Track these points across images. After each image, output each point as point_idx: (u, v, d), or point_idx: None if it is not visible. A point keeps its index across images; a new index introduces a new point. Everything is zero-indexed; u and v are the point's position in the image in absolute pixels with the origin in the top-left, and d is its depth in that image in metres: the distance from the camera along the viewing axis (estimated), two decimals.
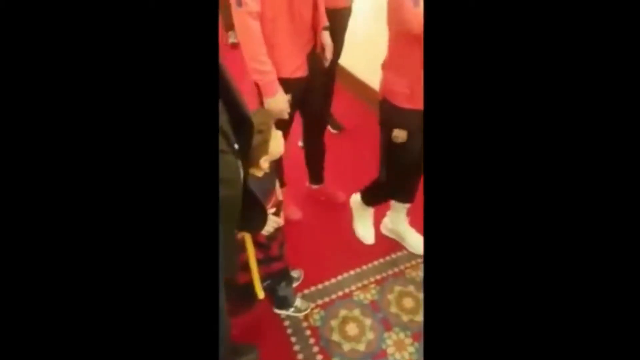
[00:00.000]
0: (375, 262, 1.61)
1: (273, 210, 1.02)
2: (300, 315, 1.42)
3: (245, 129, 0.74)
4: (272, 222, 0.98)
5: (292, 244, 1.52)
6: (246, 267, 1.10)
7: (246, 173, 0.75)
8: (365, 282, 1.54)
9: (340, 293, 1.50)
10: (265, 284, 1.15)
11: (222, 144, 0.66)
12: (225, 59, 0.66)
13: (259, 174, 1.00)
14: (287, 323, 1.41)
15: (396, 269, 1.58)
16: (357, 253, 1.64)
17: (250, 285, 1.14)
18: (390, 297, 1.48)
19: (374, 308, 1.45)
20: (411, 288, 1.50)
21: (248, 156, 0.76)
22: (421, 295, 1.48)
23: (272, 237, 1.08)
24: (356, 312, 1.44)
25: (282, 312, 1.42)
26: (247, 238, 1.02)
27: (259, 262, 1.08)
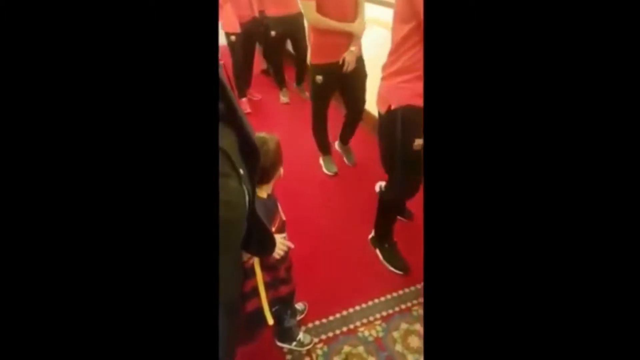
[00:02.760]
0: (382, 298, 1.58)
1: (283, 235, 1.03)
2: (303, 349, 1.39)
3: (251, 154, 0.74)
4: (282, 245, 0.99)
5: (298, 277, 1.50)
6: (254, 294, 1.09)
7: (252, 198, 0.75)
8: (371, 318, 1.50)
9: (344, 329, 1.46)
10: (274, 309, 1.14)
11: (226, 168, 0.66)
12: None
13: (264, 195, 1.02)
14: (289, 357, 1.37)
15: (403, 306, 1.55)
16: (363, 288, 1.62)
17: (257, 313, 1.12)
18: (396, 334, 1.44)
19: (378, 346, 1.41)
20: (417, 326, 1.46)
21: (255, 181, 0.77)
22: None
23: (280, 258, 1.08)
24: (360, 349, 1.39)
25: (285, 345, 1.39)
26: (256, 262, 1.02)
27: (267, 285, 1.07)
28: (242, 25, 2.81)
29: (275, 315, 1.17)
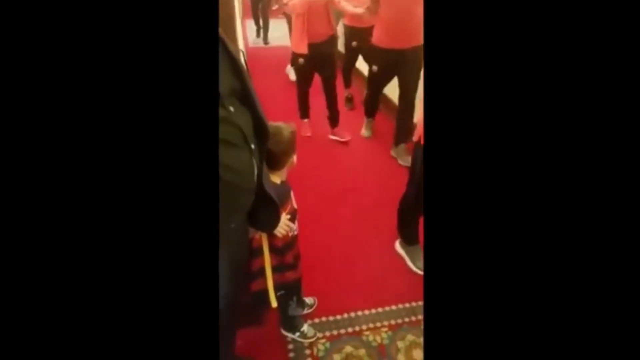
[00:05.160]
0: (393, 307, 1.56)
1: (288, 216, 1.08)
2: (306, 342, 1.41)
3: (262, 133, 0.83)
4: (285, 225, 1.04)
5: (312, 271, 1.54)
6: (260, 274, 1.14)
7: (260, 173, 0.83)
8: (378, 324, 1.49)
9: (350, 329, 1.47)
10: (278, 294, 1.18)
11: (239, 140, 0.75)
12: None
13: (277, 180, 1.07)
14: (291, 346, 1.40)
15: (413, 318, 1.52)
16: (376, 294, 1.61)
17: (262, 294, 1.17)
18: (401, 344, 1.41)
19: (381, 352, 1.39)
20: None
21: (263, 158, 0.85)
22: None
23: (288, 244, 1.12)
24: (362, 352, 1.39)
25: (289, 335, 1.42)
26: (264, 240, 1.08)
27: (273, 268, 1.12)
28: (312, 45, 2.32)
29: (280, 301, 1.21)
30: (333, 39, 2.45)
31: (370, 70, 2.45)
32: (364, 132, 2.80)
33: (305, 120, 2.78)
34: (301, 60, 2.40)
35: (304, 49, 2.34)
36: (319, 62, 2.44)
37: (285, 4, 2.26)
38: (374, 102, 2.68)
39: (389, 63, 2.28)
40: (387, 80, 2.46)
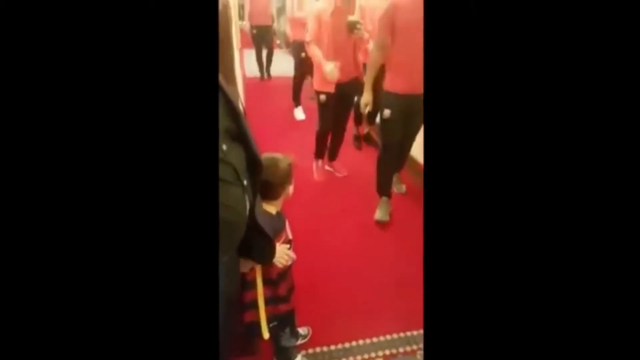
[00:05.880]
0: (388, 337, 1.55)
1: (288, 245, 1.09)
2: None
3: (255, 169, 0.85)
4: (285, 255, 1.05)
5: (306, 301, 1.53)
6: (253, 305, 1.14)
7: (253, 207, 0.85)
8: (373, 354, 1.47)
9: None
10: (271, 325, 1.17)
11: (232, 177, 0.77)
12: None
13: (272, 211, 1.09)
14: None
15: (408, 348, 1.50)
16: (371, 324, 1.60)
17: (254, 325, 1.17)
18: None
19: None
20: None
21: (257, 192, 0.86)
22: None
23: (281, 275, 1.13)
24: None
25: None
26: (258, 272, 1.08)
27: (266, 300, 1.12)
28: (338, 86, 2.29)
29: (272, 332, 1.21)
30: (357, 80, 2.37)
31: (382, 116, 2.12)
32: (379, 215, 2.26)
33: (320, 161, 2.69)
34: (322, 97, 2.34)
35: (329, 88, 2.29)
36: (339, 101, 2.41)
37: (307, 43, 2.26)
38: (388, 180, 2.28)
39: (400, 108, 1.99)
40: (398, 134, 2.10)
